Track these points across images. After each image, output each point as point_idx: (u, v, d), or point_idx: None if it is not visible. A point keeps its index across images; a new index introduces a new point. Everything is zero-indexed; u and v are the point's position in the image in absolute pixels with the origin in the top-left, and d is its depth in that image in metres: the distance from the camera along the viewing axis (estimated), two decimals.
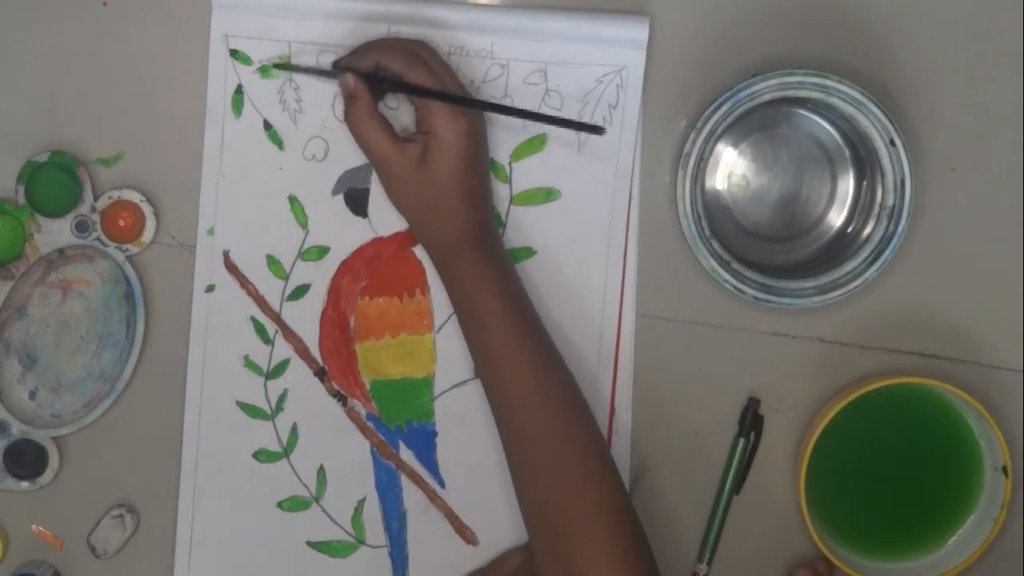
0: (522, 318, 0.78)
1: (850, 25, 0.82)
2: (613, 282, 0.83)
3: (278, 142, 0.82)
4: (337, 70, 0.78)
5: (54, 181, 0.81)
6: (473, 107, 0.78)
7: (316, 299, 0.83)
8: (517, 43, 0.81)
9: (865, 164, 0.82)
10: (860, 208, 0.83)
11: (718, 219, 0.83)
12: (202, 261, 0.83)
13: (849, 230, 0.83)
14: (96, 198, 0.82)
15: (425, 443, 0.84)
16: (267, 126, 0.82)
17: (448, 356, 0.83)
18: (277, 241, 0.83)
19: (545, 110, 0.81)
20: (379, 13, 0.81)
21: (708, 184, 0.83)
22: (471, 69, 0.81)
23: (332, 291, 0.83)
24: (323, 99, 0.82)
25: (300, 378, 0.83)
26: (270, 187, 0.82)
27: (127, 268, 0.82)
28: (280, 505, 0.84)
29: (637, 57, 0.81)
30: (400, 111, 0.81)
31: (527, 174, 0.82)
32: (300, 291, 0.83)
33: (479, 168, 0.78)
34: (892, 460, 0.84)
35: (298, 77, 0.82)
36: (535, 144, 0.82)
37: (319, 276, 0.83)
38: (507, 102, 0.81)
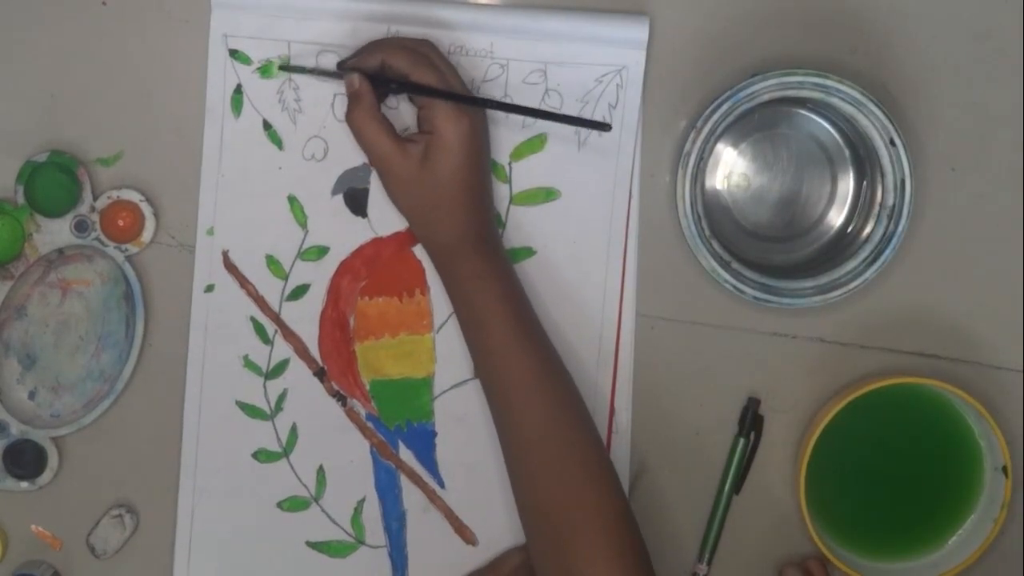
0: (522, 319, 0.78)
1: (850, 25, 0.82)
2: (613, 282, 0.83)
3: (277, 142, 0.82)
4: (343, 70, 0.78)
5: (53, 181, 0.81)
6: (479, 105, 0.78)
7: (316, 299, 0.83)
8: (517, 43, 0.81)
9: (865, 164, 0.82)
10: (860, 208, 0.83)
11: (718, 219, 0.83)
12: (201, 261, 0.83)
13: (849, 230, 0.83)
14: (95, 198, 0.82)
15: (425, 443, 0.84)
16: (266, 126, 0.82)
17: (448, 356, 0.83)
18: (277, 241, 0.83)
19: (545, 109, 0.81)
20: (379, 13, 0.80)
21: (708, 184, 0.83)
22: (471, 69, 0.81)
23: (332, 291, 0.83)
24: (322, 99, 0.82)
25: (300, 378, 0.83)
26: (269, 187, 0.82)
27: (126, 268, 0.82)
28: (280, 505, 0.84)
29: (637, 57, 0.81)
30: (400, 111, 0.81)
31: (527, 174, 0.82)
32: (300, 291, 0.83)
33: (481, 168, 0.78)
34: (892, 460, 0.84)
35: (297, 77, 0.82)
36: (535, 144, 0.82)
37: (319, 276, 0.83)
38: (507, 101, 0.81)
